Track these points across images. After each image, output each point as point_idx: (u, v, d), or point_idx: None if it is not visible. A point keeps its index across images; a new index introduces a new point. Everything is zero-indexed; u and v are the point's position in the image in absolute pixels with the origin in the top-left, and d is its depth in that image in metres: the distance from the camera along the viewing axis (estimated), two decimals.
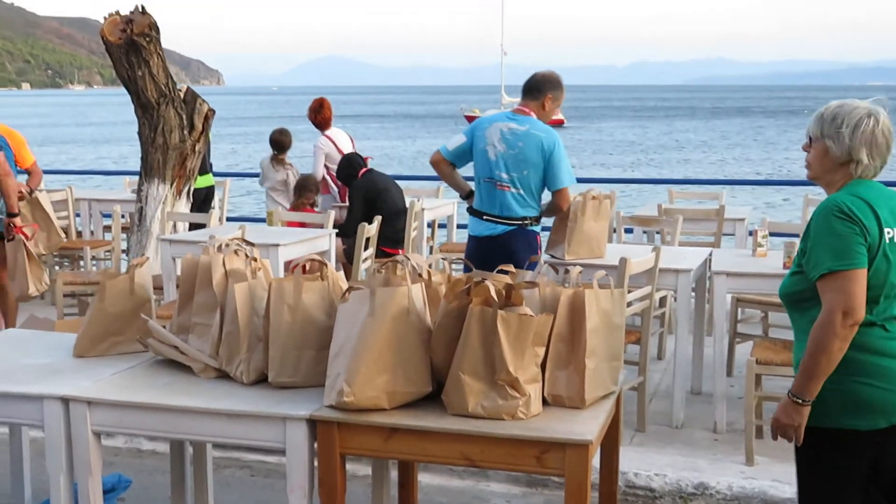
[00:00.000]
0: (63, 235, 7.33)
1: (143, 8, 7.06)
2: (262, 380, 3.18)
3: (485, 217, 5.28)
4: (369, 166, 7.97)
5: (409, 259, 3.05)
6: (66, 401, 3.10)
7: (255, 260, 3.34)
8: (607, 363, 3.05)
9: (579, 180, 6.36)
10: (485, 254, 5.12)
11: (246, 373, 3.18)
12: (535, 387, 2.88)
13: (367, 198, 7.67)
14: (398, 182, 8.21)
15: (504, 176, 5.19)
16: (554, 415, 2.89)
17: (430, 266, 3.23)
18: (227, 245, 3.44)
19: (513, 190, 5.20)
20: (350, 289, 3.09)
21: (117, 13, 7.05)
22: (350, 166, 7.89)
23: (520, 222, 5.24)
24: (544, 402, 2.94)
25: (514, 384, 2.81)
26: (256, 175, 9.29)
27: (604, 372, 3.03)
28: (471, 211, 5.39)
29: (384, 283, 2.96)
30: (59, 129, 71.47)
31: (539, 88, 5.28)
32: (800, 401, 2.77)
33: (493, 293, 2.81)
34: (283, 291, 3.10)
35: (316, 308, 3.13)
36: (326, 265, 3.21)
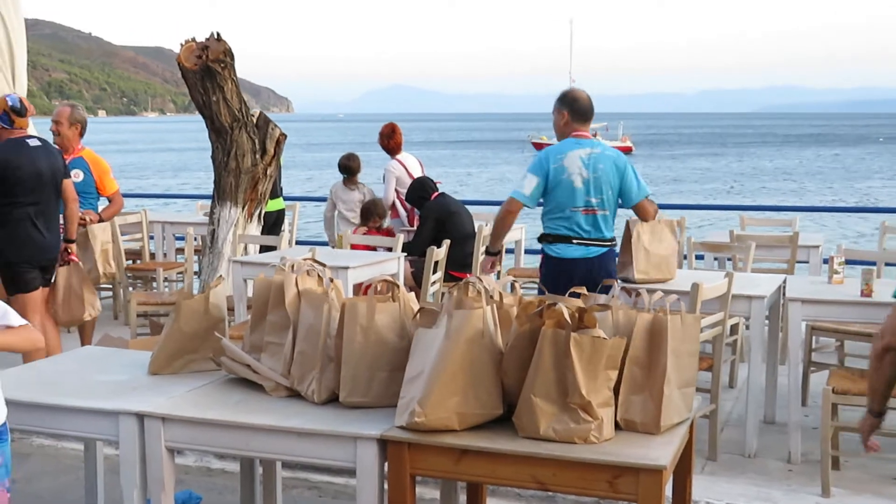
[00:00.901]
0: (108, 270, 7.38)
1: (218, 35, 7.19)
2: (333, 399, 3.19)
3: (575, 241, 5.26)
4: (439, 190, 8.04)
5: (481, 280, 3.05)
6: (141, 417, 3.15)
7: (332, 280, 3.35)
8: (681, 389, 3.01)
9: None
10: (576, 275, 5.06)
11: (317, 392, 3.19)
12: (608, 411, 2.85)
13: (438, 220, 7.74)
14: (467, 207, 8.26)
15: (593, 200, 5.24)
16: (627, 439, 2.85)
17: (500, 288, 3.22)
18: (300, 265, 3.48)
19: (601, 212, 5.27)
20: (421, 310, 3.10)
21: (193, 40, 7.19)
22: (422, 188, 7.98)
23: (610, 244, 5.35)
24: (616, 426, 2.91)
25: (586, 407, 2.78)
26: (325, 199, 9.37)
27: (678, 398, 2.99)
28: (553, 238, 5.31)
29: (457, 305, 2.96)
30: (138, 156, 73.04)
31: (593, 111, 5.46)
32: (867, 408, 3.10)
33: (566, 315, 2.79)
34: (356, 312, 3.11)
35: (388, 329, 3.14)
36: (398, 287, 3.22)
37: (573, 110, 5.38)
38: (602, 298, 3.26)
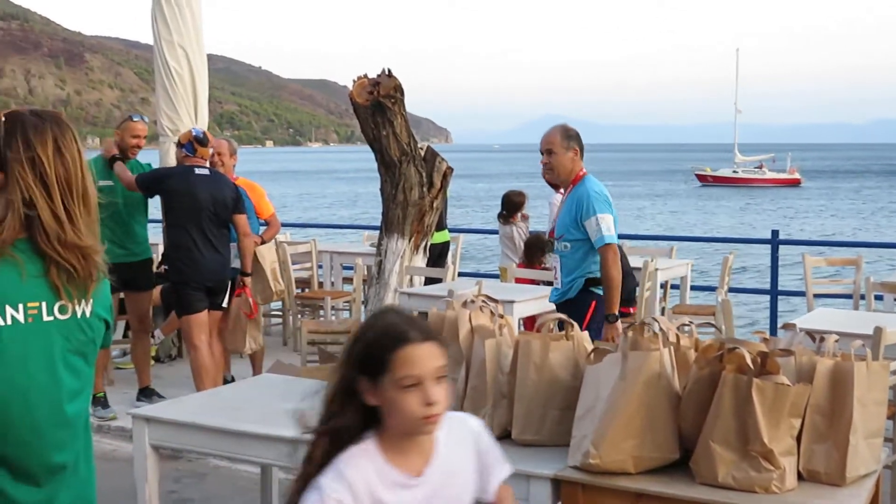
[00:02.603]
0: (278, 288, 7.61)
1: (389, 71, 7.36)
2: (504, 436, 3.20)
3: None
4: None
5: (657, 321, 3.01)
6: None
7: (502, 317, 3.38)
8: (868, 440, 2.89)
9: (826, 244, 6.09)
10: None
11: (490, 428, 3.20)
12: (791, 460, 2.76)
13: None
14: (636, 241, 8.19)
15: None
16: (811, 491, 2.75)
17: (677, 329, 3.17)
18: (473, 301, 3.51)
19: None
20: (595, 350, 3.08)
21: (365, 76, 7.38)
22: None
23: None
24: (799, 476, 2.81)
25: (768, 456, 2.70)
26: (483, 231, 9.49)
27: (864, 449, 2.87)
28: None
29: (632, 346, 2.93)
30: (310, 185, 75.12)
31: None
32: None
33: (748, 360, 2.73)
34: (529, 349, 3.12)
35: (561, 368, 3.14)
36: (573, 325, 3.22)
37: (581, 146, 5.40)
38: (783, 342, 3.17)
